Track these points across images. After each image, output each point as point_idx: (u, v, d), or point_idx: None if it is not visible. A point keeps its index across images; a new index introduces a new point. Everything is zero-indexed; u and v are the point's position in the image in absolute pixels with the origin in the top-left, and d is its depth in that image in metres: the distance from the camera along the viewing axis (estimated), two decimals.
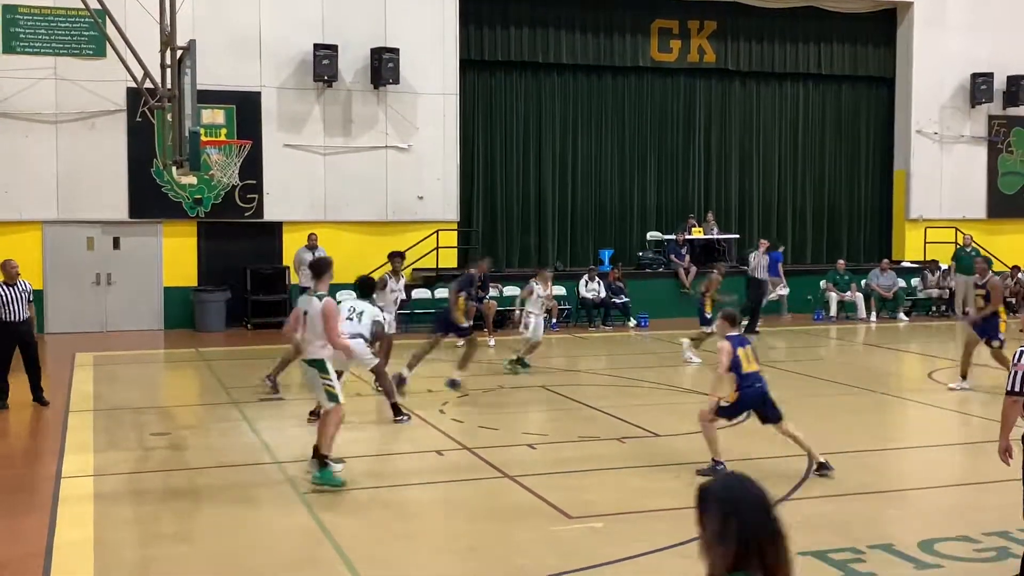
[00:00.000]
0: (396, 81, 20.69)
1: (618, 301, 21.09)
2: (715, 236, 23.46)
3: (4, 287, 12.13)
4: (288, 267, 20.03)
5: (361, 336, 11.02)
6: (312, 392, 9.18)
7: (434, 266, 21.00)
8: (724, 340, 8.91)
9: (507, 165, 23.13)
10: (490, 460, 9.56)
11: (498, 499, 8.49)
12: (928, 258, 23.92)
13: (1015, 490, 8.82)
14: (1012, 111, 24.86)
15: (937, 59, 24.34)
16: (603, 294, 21.01)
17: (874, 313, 22.19)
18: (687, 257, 22.53)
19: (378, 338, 11.80)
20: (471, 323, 14.10)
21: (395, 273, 14.41)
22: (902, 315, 22.29)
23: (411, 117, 21.24)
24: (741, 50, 24.14)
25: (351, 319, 10.99)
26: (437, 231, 21.07)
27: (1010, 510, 8.15)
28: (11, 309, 12.09)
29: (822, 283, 22.63)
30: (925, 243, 24.24)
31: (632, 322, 21.03)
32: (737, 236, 23.99)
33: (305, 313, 8.77)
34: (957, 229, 24.10)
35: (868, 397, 13.43)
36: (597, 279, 21.07)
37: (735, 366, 8.77)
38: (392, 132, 21.15)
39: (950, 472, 9.63)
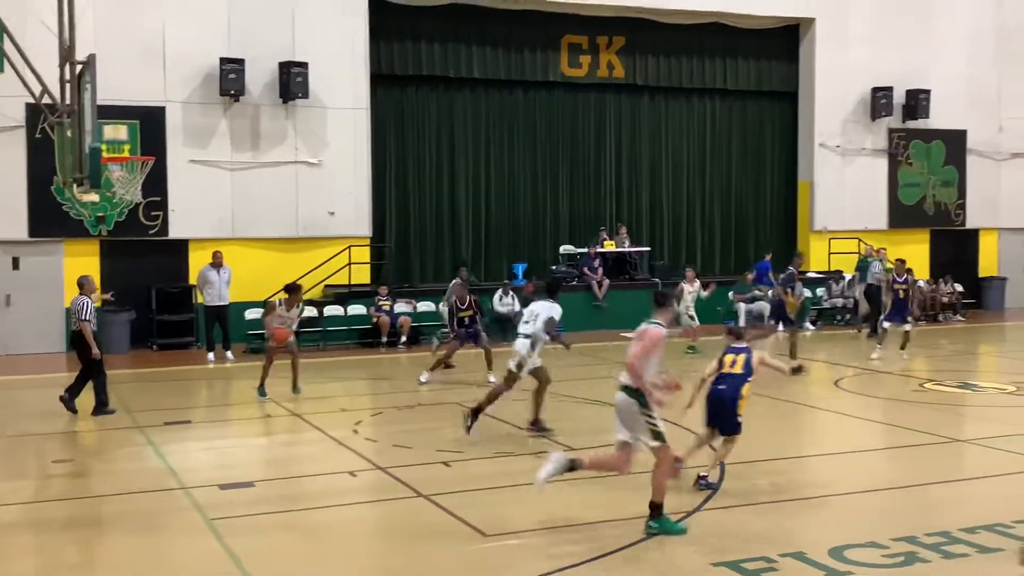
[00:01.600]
0: (305, 95, 20.44)
1: None
2: (627, 249, 23.67)
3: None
4: (194, 286, 19.57)
5: (529, 337, 11.34)
6: (620, 423, 7.92)
7: (347, 283, 20.77)
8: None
9: (420, 180, 23.03)
10: (404, 480, 9.44)
11: (413, 519, 8.39)
12: (833, 268, 24.47)
13: (920, 495, 9.05)
14: (911, 124, 25.62)
15: (839, 74, 24.96)
16: (517, 308, 20.98)
17: (781, 323, 22.53)
18: (600, 270, 22.68)
19: (553, 336, 11.87)
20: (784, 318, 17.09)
21: (289, 303, 14.25)
22: (809, 324, 22.73)
23: (321, 132, 21.01)
24: (649, 65, 24.45)
25: (528, 322, 11.54)
26: (349, 247, 20.86)
27: (915, 514, 8.34)
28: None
29: (731, 294, 22.96)
30: (829, 253, 24.81)
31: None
32: (648, 249, 24.25)
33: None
34: (860, 239, 24.71)
35: (778, 406, 13.62)
36: (511, 293, 21.06)
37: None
38: (302, 147, 20.90)
39: (858, 478, 9.80)
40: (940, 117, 25.61)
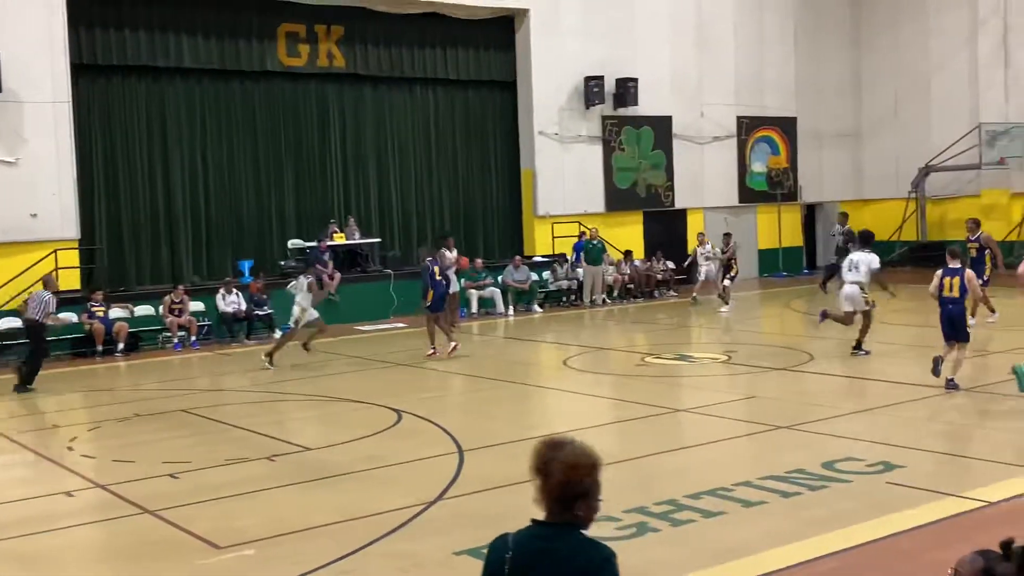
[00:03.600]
0: None
1: (261, 313, 20.48)
2: (358, 241, 23.42)
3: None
4: None
5: (858, 284, 14.04)
6: None
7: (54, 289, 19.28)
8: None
9: (131, 176, 21.71)
10: (127, 496, 8.84)
11: (139, 538, 7.86)
12: (556, 252, 25.27)
13: (646, 465, 9.45)
14: (622, 111, 26.82)
15: (553, 63, 25.74)
16: (244, 306, 20.30)
17: (511, 307, 23.13)
18: (331, 263, 22.29)
19: (879, 281, 14.41)
20: None
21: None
22: (536, 307, 23.39)
23: (18, 128, 19.36)
24: (370, 55, 24.23)
25: (850, 270, 14.16)
26: (55, 251, 19.38)
27: (644, 485, 8.69)
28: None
29: (462, 281, 23.22)
30: (553, 238, 25.60)
31: (277, 333, 20.49)
32: (379, 240, 24.09)
33: None
34: (580, 223, 25.66)
35: (512, 388, 13.90)
36: (235, 291, 20.31)
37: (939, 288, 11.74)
38: None
39: None
40: (648, 104, 26.96)
